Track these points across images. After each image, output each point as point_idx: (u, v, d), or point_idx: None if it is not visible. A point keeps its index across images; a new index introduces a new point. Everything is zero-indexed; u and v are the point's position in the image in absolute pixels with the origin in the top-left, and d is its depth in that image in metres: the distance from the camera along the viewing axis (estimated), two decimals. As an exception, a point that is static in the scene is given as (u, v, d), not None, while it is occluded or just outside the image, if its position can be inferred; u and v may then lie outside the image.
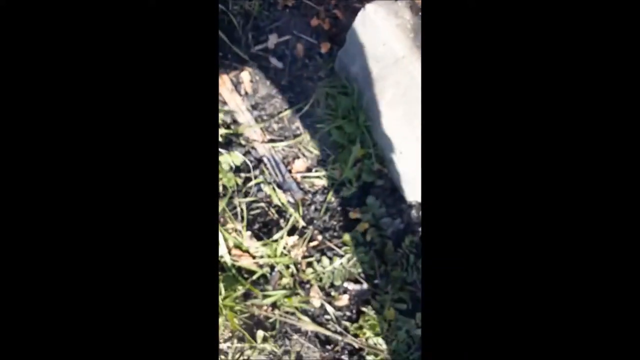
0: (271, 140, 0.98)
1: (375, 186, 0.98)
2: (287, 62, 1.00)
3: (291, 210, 0.92)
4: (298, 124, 0.99)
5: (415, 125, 0.84)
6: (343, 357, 0.86)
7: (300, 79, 1.01)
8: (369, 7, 0.82)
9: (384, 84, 0.87)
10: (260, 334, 0.84)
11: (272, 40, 0.99)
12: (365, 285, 0.90)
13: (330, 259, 0.90)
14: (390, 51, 0.82)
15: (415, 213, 0.99)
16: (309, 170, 0.97)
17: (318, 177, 0.97)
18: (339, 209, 0.96)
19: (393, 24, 0.81)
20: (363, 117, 0.95)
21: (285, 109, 0.99)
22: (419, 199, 0.98)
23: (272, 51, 0.99)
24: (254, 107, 0.99)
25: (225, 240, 0.88)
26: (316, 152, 0.98)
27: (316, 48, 1.03)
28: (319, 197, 0.96)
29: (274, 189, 0.92)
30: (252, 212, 0.92)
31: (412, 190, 0.95)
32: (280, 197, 0.92)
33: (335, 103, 0.98)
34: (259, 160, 0.96)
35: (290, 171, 0.96)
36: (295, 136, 0.99)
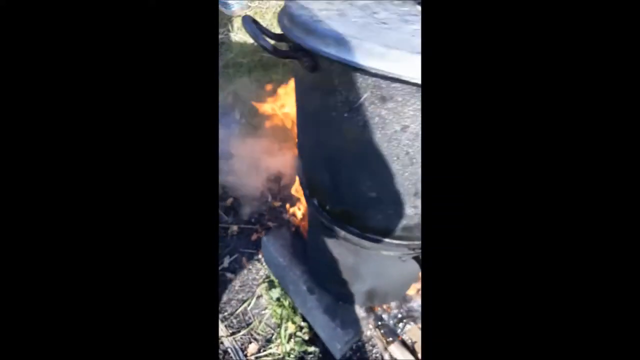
0: (232, 333, 1.36)
1: (307, 353, 1.27)
2: (237, 272, 1.46)
3: (244, 390, 1.23)
4: (249, 314, 1.38)
5: (317, 300, 1.18)
6: None
7: (246, 280, 1.44)
8: (264, 238, 1.28)
9: (287, 278, 1.26)
10: None
11: (226, 261, 1.48)
12: None
13: None
14: (281, 259, 1.24)
15: (348, 367, 1.23)
16: (259, 350, 1.31)
17: (266, 355, 1.29)
18: (284, 379, 1.25)
19: (278, 244, 1.25)
20: (288, 301, 1.32)
21: (239, 306, 1.40)
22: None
23: (226, 268, 1.47)
24: (219, 311, 1.41)
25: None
26: (263, 334, 1.33)
27: (255, 255, 1.49)
28: (267, 373, 1.27)
29: (232, 374, 1.25)
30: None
31: (338, 348, 1.22)
32: (237, 381, 1.24)
33: (269, 293, 1.37)
34: (225, 352, 1.33)
35: (246, 355, 1.31)
36: (248, 325, 1.36)
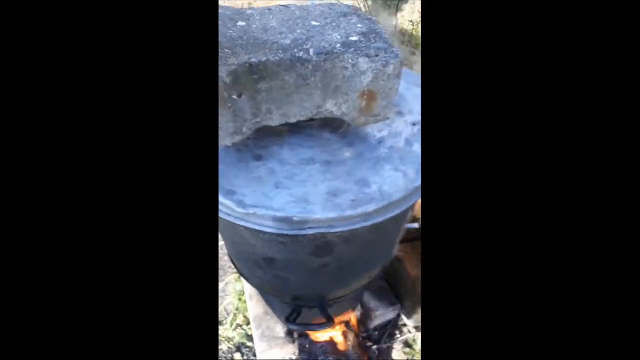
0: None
1: (245, 346, 1.44)
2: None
3: None
4: (212, 294, 1.56)
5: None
6: None
7: (222, 265, 1.62)
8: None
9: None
10: None
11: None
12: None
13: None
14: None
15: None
16: (208, 327, 1.49)
17: (212, 333, 1.47)
18: None
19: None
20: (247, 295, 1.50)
21: (207, 284, 1.58)
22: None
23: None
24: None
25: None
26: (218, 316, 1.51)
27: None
28: None
29: None
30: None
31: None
32: None
33: (236, 283, 1.55)
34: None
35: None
36: (208, 302, 1.54)
